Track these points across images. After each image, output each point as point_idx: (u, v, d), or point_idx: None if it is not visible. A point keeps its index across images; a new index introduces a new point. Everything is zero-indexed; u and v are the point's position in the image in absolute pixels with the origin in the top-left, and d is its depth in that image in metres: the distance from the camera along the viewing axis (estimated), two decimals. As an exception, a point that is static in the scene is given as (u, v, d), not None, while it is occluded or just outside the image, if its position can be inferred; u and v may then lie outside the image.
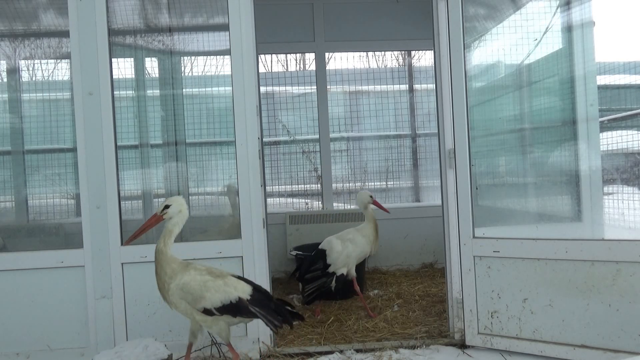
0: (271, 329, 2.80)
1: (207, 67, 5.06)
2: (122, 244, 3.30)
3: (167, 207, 2.78)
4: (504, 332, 3.25)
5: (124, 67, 4.18)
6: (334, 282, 4.06)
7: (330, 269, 4.04)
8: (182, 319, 3.31)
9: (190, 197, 4.38)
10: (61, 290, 3.31)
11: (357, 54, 6.64)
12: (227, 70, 3.43)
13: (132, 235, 2.86)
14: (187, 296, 2.70)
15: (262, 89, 4.06)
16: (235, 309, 2.72)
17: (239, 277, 2.86)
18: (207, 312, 2.71)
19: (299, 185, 6.21)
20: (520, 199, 3.80)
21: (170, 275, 2.73)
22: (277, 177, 6.18)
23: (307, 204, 6.21)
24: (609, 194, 3.54)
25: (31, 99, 4.34)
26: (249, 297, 2.74)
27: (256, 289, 2.83)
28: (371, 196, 4.29)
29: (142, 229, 2.83)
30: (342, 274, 4.08)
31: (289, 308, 2.92)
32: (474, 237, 3.32)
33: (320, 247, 4.15)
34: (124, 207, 3.42)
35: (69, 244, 3.18)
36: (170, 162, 4.30)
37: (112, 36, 3.48)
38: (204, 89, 4.74)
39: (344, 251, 4.06)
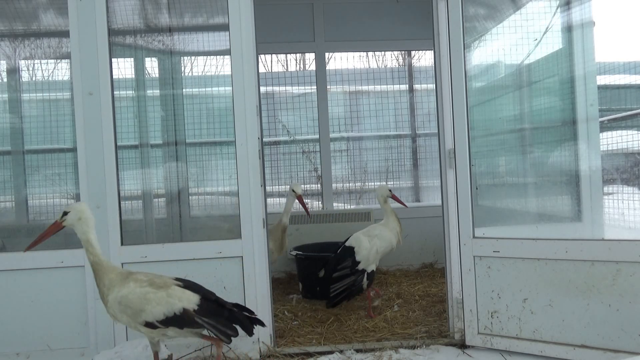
0: (223, 340, 2.65)
1: (207, 67, 5.06)
2: (122, 244, 3.30)
3: (66, 213, 2.63)
4: (504, 332, 3.25)
5: (124, 67, 4.18)
6: (365, 279, 4.02)
7: (360, 266, 4.00)
8: (182, 319, 3.31)
9: (190, 197, 4.38)
10: (61, 290, 3.31)
11: (357, 54, 6.64)
12: (227, 70, 3.43)
13: (32, 242, 2.69)
14: (127, 310, 2.57)
15: (262, 89, 4.05)
16: (180, 321, 2.58)
17: (188, 285, 2.71)
18: (150, 325, 2.58)
19: (299, 186, 6.20)
20: (520, 199, 3.81)
21: (108, 286, 2.60)
22: (277, 177, 6.18)
23: (307, 204, 6.20)
24: (609, 194, 3.54)
25: (31, 99, 4.34)
26: (196, 307, 2.60)
27: (205, 297, 2.67)
28: (390, 190, 4.33)
29: (42, 237, 2.68)
30: (373, 271, 4.07)
31: (247, 314, 2.77)
32: (474, 237, 3.32)
33: (347, 244, 4.10)
34: (124, 207, 3.42)
35: (69, 244, 3.17)
36: (170, 162, 4.30)
37: (112, 36, 3.48)
38: (204, 89, 4.74)
39: (373, 247, 4.04)
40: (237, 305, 2.78)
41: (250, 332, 2.73)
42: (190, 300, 2.62)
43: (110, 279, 2.61)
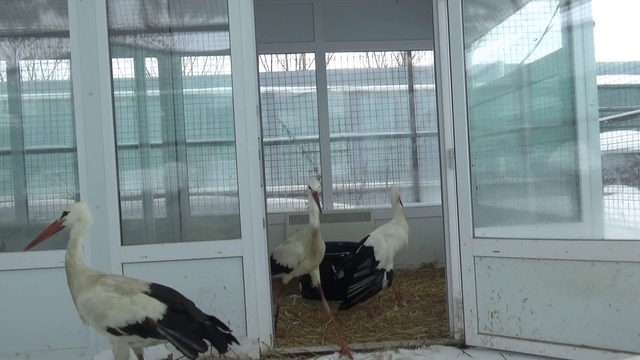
0: (186, 355, 2.50)
1: (207, 67, 5.06)
2: (122, 244, 3.30)
3: (66, 213, 2.61)
4: (504, 332, 3.25)
5: (124, 67, 4.18)
6: (385, 278, 4.05)
7: (380, 266, 4.03)
8: (182, 319, 3.31)
9: (190, 197, 4.38)
10: (61, 290, 3.28)
11: (357, 54, 6.65)
12: (227, 70, 3.43)
13: (31, 242, 2.67)
14: (90, 313, 2.52)
15: (262, 89, 4.06)
16: (142, 330, 2.48)
17: (159, 293, 2.58)
18: (112, 331, 2.50)
19: (299, 185, 6.21)
20: (520, 199, 3.81)
21: (77, 289, 2.55)
22: (277, 177, 6.18)
23: (307, 204, 6.19)
24: (609, 194, 3.54)
25: (31, 99, 4.34)
26: (160, 317, 2.49)
27: (173, 308, 2.53)
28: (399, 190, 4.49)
29: (41, 237, 2.65)
30: (392, 270, 4.12)
31: (221, 329, 2.63)
32: (474, 237, 3.32)
33: (366, 244, 4.14)
34: (124, 207, 3.42)
35: (69, 244, 3.17)
36: (170, 162, 4.30)
37: (112, 36, 3.48)
38: (204, 89, 4.74)
39: (391, 247, 4.11)
40: (212, 318, 2.66)
41: (222, 349, 2.59)
42: (156, 310, 2.51)
43: (80, 282, 2.55)
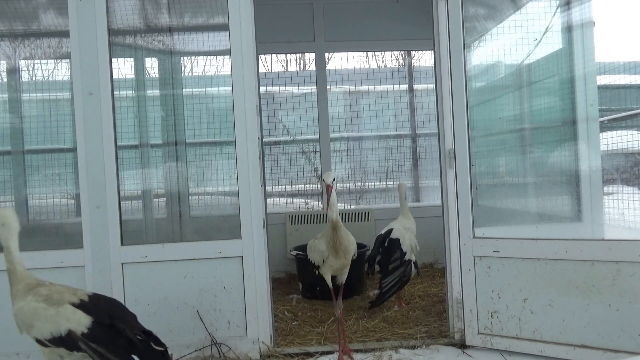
0: None
1: (207, 67, 5.06)
2: (122, 244, 3.30)
3: None
4: (504, 332, 3.25)
5: (124, 67, 4.18)
6: (413, 268, 4.14)
7: (407, 257, 4.10)
8: (183, 319, 3.31)
9: (190, 197, 4.38)
10: (61, 290, 3.29)
11: (357, 54, 6.64)
12: (227, 70, 3.43)
13: None
14: (22, 323, 2.47)
15: (262, 89, 4.05)
16: (66, 343, 2.40)
17: (92, 304, 2.48)
18: (40, 342, 2.45)
19: (299, 185, 6.21)
20: (520, 199, 3.81)
21: (14, 296, 2.52)
22: (277, 177, 6.18)
23: (307, 204, 6.21)
24: (609, 194, 3.54)
25: (31, 99, 4.34)
26: (85, 331, 2.39)
27: (98, 321, 2.42)
28: None
29: None
30: (416, 260, 4.20)
31: (154, 344, 2.47)
32: (474, 237, 3.32)
33: (392, 236, 4.18)
34: (124, 207, 3.42)
35: (69, 244, 3.17)
36: (170, 162, 4.30)
37: (112, 36, 3.48)
38: (204, 89, 4.74)
39: (411, 239, 4.21)
40: (146, 332, 2.50)
41: None
42: (80, 323, 2.41)
43: (17, 289, 2.51)
